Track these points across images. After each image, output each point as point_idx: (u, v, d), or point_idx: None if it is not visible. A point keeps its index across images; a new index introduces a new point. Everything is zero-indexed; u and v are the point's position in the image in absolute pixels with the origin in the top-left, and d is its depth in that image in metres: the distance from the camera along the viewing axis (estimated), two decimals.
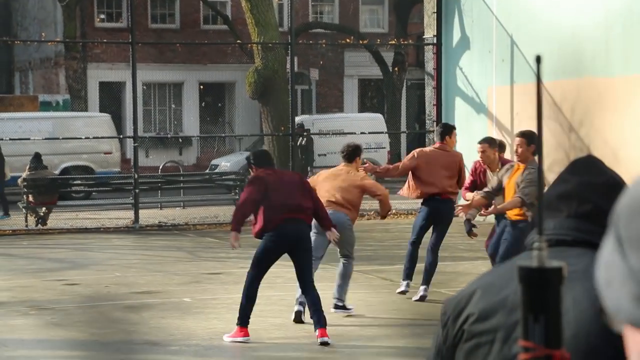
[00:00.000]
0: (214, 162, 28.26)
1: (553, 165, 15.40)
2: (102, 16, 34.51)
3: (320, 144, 27.48)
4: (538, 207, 1.74)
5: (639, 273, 1.23)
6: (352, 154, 10.42)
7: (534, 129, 17.45)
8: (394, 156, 31.13)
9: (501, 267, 2.08)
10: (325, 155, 27.65)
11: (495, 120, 19.53)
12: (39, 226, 18.82)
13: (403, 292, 11.00)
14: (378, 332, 9.49)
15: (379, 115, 28.72)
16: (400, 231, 18.21)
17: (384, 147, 28.53)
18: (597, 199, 1.99)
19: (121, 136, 26.56)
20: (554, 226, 2.01)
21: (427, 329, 9.42)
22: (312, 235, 9.30)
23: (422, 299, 10.88)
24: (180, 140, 33.07)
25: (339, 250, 10.13)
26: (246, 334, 8.87)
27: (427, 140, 21.79)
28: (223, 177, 23.53)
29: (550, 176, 1.91)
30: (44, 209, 19.18)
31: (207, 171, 27.29)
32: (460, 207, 10.13)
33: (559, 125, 17.27)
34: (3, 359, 8.61)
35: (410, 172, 11.16)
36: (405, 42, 29.08)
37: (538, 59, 1.55)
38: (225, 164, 27.33)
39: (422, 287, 10.99)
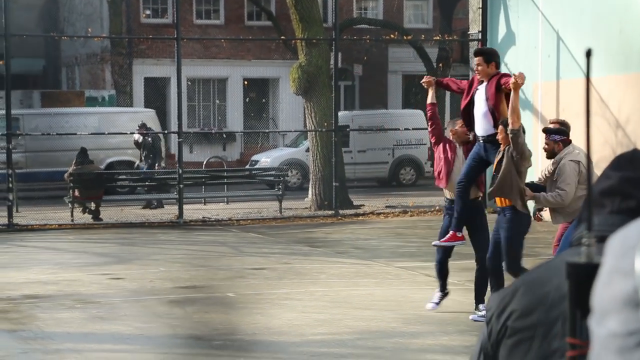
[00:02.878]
0: (254, 157, 28.35)
1: (600, 162, 15.22)
2: (148, 12, 34.73)
3: (359, 139, 27.44)
4: (587, 204, 1.72)
5: None
6: None
7: (581, 125, 17.28)
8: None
9: (546, 264, 2.08)
10: (364, 151, 27.61)
11: (540, 116, 19.38)
12: (92, 219, 19.05)
13: None
14: (421, 329, 9.46)
15: (419, 112, 28.63)
16: None
17: (425, 144, 28.43)
18: None
19: (166, 131, 26.73)
20: (598, 222, 2.00)
21: (471, 326, 9.38)
22: None
23: None
24: (224, 135, 33.21)
25: None
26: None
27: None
28: (264, 173, 23.59)
29: (597, 173, 1.90)
30: (92, 203, 19.38)
31: (247, 167, 27.37)
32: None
33: (606, 122, 17.10)
34: (50, 352, 8.70)
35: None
36: (450, 38, 28.93)
37: (588, 53, 1.53)
38: (266, 159, 27.38)
39: None
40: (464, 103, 9.89)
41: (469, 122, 9.86)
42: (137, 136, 21.65)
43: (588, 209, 1.71)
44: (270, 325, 9.47)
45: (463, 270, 13.07)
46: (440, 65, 32.00)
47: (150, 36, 29.62)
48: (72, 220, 19.06)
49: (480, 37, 20.78)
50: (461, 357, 8.27)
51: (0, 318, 10.16)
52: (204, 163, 25.04)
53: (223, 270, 13.15)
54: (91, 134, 22.99)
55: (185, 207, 19.30)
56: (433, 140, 10.27)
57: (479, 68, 9.66)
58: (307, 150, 23.27)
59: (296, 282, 12.10)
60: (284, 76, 31.78)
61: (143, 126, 21.78)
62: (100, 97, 33.59)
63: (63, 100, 31.22)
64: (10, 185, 18.31)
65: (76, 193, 19.26)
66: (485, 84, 9.70)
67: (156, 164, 21.91)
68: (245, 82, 35.11)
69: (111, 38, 31.47)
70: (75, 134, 22.38)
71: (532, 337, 1.97)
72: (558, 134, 9.92)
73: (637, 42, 16.86)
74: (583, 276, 1.61)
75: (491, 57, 9.79)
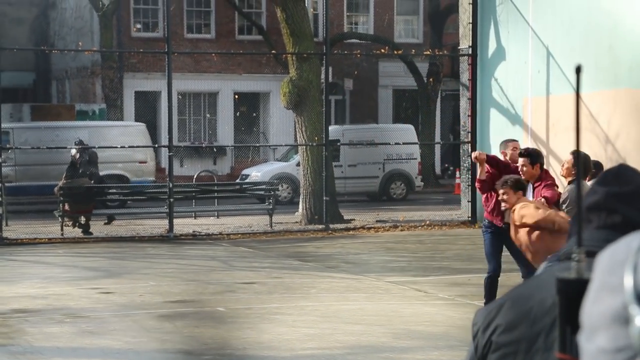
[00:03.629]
0: (245, 171, 28.34)
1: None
2: (139, 26, 34.75)
3: (350, 154, 27.46)
4: (577, 219, 1.73)
5: None
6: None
7: (571, 141, 17.34)
8: (427, 167, 31.07)
9: (532, 279, 2.09)
10: (355, 165, 27.62)
11: (530, 131, 19.43)
12: (82, 233, 18.98)
13: None
14: (411, 344, 9.46)
15: (410, 126, 28.68)
16: (434, 242, 18.16)
17: (415, 158, 28.48)
18: (625, 210, 1.99)
19: (156, 145, 26.71)
20: (585, 238, 2.00)
21: (461, 341, 9.38)
22: None
23: None
24: (214, 149, 33.20)
25: None
26: None
27: (461, 151, 21.72)
28: (254, 187, 23.59)
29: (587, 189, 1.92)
30: (82, 217, 19.34)
31: (238, 181, 27.36)
32: None
33: (595, 137, 17.16)
34: None
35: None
36: (440, 53, 29.01)
37: (578, 69, 1.54)
38: (256, 173, 27.37)
39: None
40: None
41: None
42: (73, 151, 20.72)
43: (578, 224, 1.72)
44: (260, 339, 9.46)
45: (453, 285, 13.08)
46: (431, 80, 32.10)
47: (141, 50, 29.64)
48: (62, 234, 19.01)
49: (470, 52, 20.85)
50: None
51: None
52: (195, 177, 25.01)
53: (213, 285, 13.13)
54: (81, 147, 22.94)
55: (175, 221, 19.26)
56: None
57: (524, 169, 9.63)
58: (298, 164, 23.27)
59: (286, 297, 12.08)
60: (274, 90, 31.82)
61: (80, 142, 21.14)
62: (91, 110, 33.56)
63: (53, 113, 31.19)
64: (0, 198, 18.25)
65: (66, 207, 19.22)
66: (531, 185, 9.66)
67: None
68: (236, 96, 35.13)
69: (102, 52, 31.47)
70: (66, 147, 22.33)
71: (516, 352, 1.99)
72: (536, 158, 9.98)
73: (627, 58, 16.94)
74: (573, 292, 1.61)
75: (537, 158, 9.72)
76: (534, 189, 9.67)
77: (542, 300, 1.96)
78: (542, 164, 9.85)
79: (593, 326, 1.53)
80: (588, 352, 1.52)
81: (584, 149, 16.86)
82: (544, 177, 9.73)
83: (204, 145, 33.52)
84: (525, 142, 19.53)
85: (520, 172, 9.67)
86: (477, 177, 10.35)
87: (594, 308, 1.53)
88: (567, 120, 17.71)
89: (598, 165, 10.99)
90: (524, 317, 1.98)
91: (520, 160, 9.71)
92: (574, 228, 2.02)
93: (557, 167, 18.63)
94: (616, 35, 17.14)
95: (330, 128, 22.40)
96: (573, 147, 16.53)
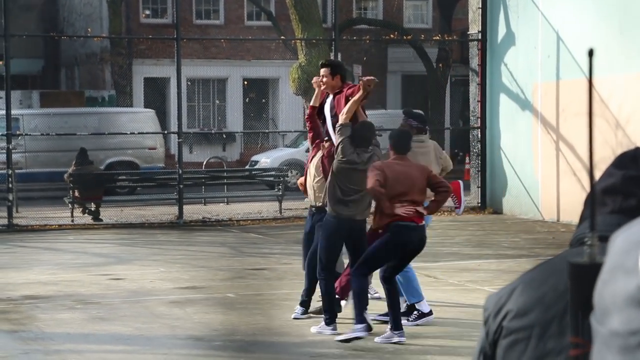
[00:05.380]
0: (254, 158, 28.32)
1: (599, 163, 15.21)
2: (147, 12, 34.74)
3: None
4: (590, 203, 1.71)
5: None
6: None
7: (581, 126, 17.28)
8: None
9: (544, 263, 2.07)
10: None
11: (540, 117, 19.37)
12: (92, 220, 19.03)
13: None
14: (422, 330, 9.46)
15: (419, 112, 28.59)
16: (444, 228, 18.15)
17: None
18: None
19: (165, 132, 26.72)
20: (601, 222, 1.98)
21: (472, 328, 9.38)
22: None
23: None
24: (224, 136, 33.20)
25: None
26: None
27: (471, 136, 21.67)
28: (264, 173, 23.59)
29: (597, 174, 1.88)
30: (92, 204, 19.38)
31: (247, 167, 27.36)
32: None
33: (605, 122, 17.09)
34: (50, 353, 8.70)
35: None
36: (450, 38, 28.92)
37: (590, 53, 1.52)
38: (266, 160, 27.34)
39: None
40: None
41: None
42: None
43: (591, 208, 1.70)
44: (270, 325, 9.47)
45: (463, 270, 13.08)
46: (440, 65, 32.01)
47: (150, 36, 29.60)
48: (72, 221, 19.04)
49: (480, 37, 20.78)
50: (461, 358, 8.27)
51: (0, 319, 10.15)
52: (204, 163, 25.03)
53: (223, 271, 13.15)
54: (91, 134, 22.97)
55: (185, 207, 19.28)
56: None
57: (324, 80, 9.38)
58: (307, 150, 23.23)
59: (296, 283, 12.07)
60: (283, 76, 31.79)
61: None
62: (100, 97, 33.60)
63: (62, 100, 31.24)
64: (10, 185, 18.30)
65: (76, 193, 19.25)
66: (330, 98, 9.47)
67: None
68: (245, 82, 35.11)
69: (111, 38, 31.46)
70: (75, 134, 22.36)
71: (529, 337, 1.96)
72: (416, 120, 9.89)
73: (637, 43, 16.85)
74: (585, 276, 1.60)
75: (337, 69, 9.51)
76: (334, 98, 9.47)
77: (556, 285, 1.94)
78: (342, 75, 9.51)
79: (606, 308, 1.51)
80: (600, 335, 1.51)
81: (595, 133, 16.80)
82: (345, 89, 9.34)
83: (213, 131, 33.52)
84: (535, 128, 19.48)
85: (321, 82, 9.45)
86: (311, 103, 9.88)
87: (607, 289, 1.52)
88: (578, 106, 17.65)
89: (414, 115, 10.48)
90: (538, 302, 1.96)
91: (322, 71, 9.48)
92: (587, 212, 1.99)
93: (568, 153, 18.60)
94: (627, 20, 17.06)
95: None
96: (583, 133, 16.48)
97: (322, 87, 9.54)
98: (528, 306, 1.97)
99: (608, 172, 2.00)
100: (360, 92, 9.02)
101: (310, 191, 9.73)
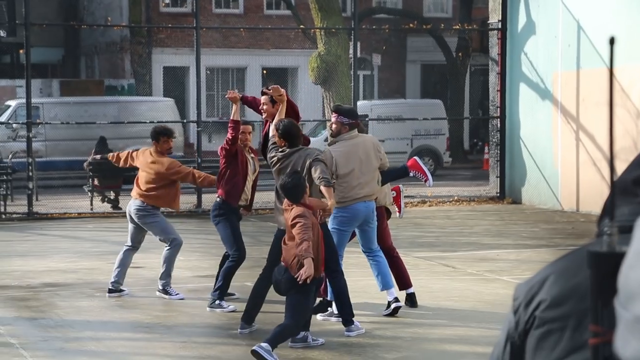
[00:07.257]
0: None
1: (620, 153, 15.16)
2: (167, 1, 34.76)
3: (378, 129, 27.39)
4: (610, 193, 1.70)
5: None
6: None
7: (602, 116, 17.20)
8: (455, 142, 30.94)
9: (576, 252, 2.03)
10: (383, 141, 27.57)
11: (560, 106, 19.29)
12: (111, 208, 19.09)
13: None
14: (439, 319, 9.45)
15: (439, 102, 28.54)
16: (462, 218, 18.12)
17: (444, 134, 28.38)
18: None
19: (185, 121, 26.77)
20: (629, 212, 1.95)
21: (490, 317, 9.36)
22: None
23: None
24: None
25: None
26: None
27: (490, 126, 21.61)
28: None
29: (617, 164, 1.84)
30: (111, 192, 19.44)
31: None
32: None
33: (626, 112, 17.00)
34: (69, 340, 8.75)
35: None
36: (470, 27, 28.83)
37: (612, 41, 1.51)
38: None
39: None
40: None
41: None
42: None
43: (611, 198, 1.69)
44: None
45: (482, 260, 13.06)
46: (460, 54, 31.92)
47: (170, 25, 29.65)
48: (92, 209, 19.12)
49: (500, 27, 20.69)
50: (480, 347, 8.26)
51: (20, 306, 10.22)
52: None
53: None
54: (110, 123, 23.04)
55: (203, 196, 19.32)
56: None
57: (264, 107, 9.74)
58: (326, 139, 23.25)
59: None
60: (302, 65, 31.75)
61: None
62: (120, 86, 33.68)
63: (82, 89, 31.33)
64: (30, 173, 18.39)
65: (95, 182, 19.32)
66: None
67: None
68: (264, 72, 35.11)
69: (130, 27, 31.52)
70: (95, 122, 22.43)
71: (564, 328, 1.92)
72: (347, 116, 9.85)
73: None
74: (605, 266, 1.60)
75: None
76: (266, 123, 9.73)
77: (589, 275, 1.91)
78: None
79: (631, 292, 1.49)
80: (624, 320, 1.49)
81: (615, 123, 16.72)
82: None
83: None
84: (555, 117, 19.40)
85: (261, 110, 9.82)
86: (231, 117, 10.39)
87: (633, 273, 1.49)
88: (598, 95, 17.55)
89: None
90: (573, 292, 1.92)
91: (263, 99, 9.75)
92: (618, 200, 1.95)
93: (588, 143, 18.51)
94: None
95: (359, 103, 22.33)
96: (604, 122, 16.38)
97: (263, 115, 9.78)
98: (563, 296, 1.93)
99: (637, 162, 1.96)
100: (281, 105, 9.43)
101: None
